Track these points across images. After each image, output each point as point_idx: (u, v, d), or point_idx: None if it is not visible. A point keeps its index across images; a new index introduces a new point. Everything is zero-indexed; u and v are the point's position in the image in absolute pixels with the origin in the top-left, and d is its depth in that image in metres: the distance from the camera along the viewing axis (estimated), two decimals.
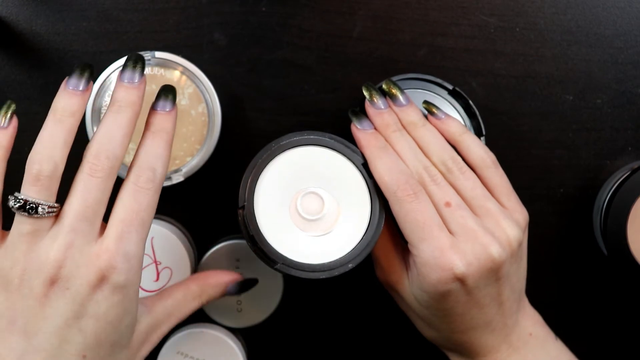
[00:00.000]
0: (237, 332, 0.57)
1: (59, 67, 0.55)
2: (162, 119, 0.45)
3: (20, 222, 0.41)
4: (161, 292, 0.47)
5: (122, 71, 0.44)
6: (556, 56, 0.57)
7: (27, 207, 0.40)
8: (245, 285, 0.51)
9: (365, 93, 0.50)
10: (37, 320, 0.40)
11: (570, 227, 0.58)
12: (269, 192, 0.47)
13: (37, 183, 0.41)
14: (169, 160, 0.44)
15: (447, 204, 0.46)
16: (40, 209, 0.40)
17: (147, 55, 0.52)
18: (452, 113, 0.53)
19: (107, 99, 0.53)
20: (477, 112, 0.52)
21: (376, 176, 0.47)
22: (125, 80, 0.44)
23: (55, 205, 0.41)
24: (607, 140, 0.58)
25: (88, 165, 0.41)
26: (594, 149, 0.58)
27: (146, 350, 0.45)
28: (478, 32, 0.57)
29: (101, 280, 0.40)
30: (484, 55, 0.57)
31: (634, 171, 0.54)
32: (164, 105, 0.45)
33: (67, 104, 0.42)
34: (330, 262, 0.47)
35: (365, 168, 0.48)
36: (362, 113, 0.50)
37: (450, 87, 0.53)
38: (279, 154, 0.48)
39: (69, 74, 0.43)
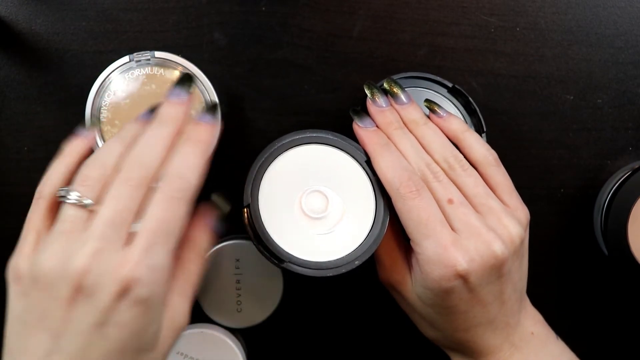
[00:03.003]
0: (237, 332, 0.57)
1: (58, 66, 0.55)
2: (203, 130, 0.45)
3: (63, 220, 0.41)
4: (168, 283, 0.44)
5: (171, 88, 0.46)
6: (557, 56, 0.57)
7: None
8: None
9: (367, 91, 0.50)
10: (63, 322, 0.40)
11: (570, 227, 0.58)
12: (273, 191, 0.47)
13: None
14: (202, 173, 0.43)
15: (450, 201, 0.46)
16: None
17: (146, 55, 0.52)
18: (453, 111, 0.53)
19: (106, 99, 0.52)
20: (478, 109, 0.52)
21: (379, 173, 0.47)
22: (173, 97, 0.45)
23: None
24: (607, 140, 0.58)
25: (123, 173, 0.42)
26: (594, 149, 0.58)
27: (174, 341, 0.44)
28: (478, 32, 0.57)
29: (124, 290, 0.40)
30: (484, 55, 0.57)
31: (634, 171, 0.54)
32: (207, 118, 0.46)
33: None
34: (336, 259, 0.47)
35: (368, 165, 0.48)
36: (363, 111, 0.50)
37: (450, 85, 0.53)
38: (282, 152, 0.48)
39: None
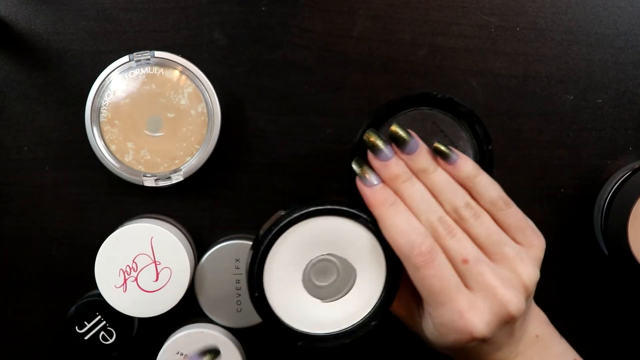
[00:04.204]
0: (237, 332, 0.57)
1: (58, 66, 0.55)
2: None
3: None
4: None
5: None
6: (557, 56, 0.57)
7: None
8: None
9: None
10: None
11: (570, 227, 0.58)
12: (279, 272, 0.47)
13: None
14: None
15: (465, 261, 0.45)
16: None
17: (146, 54, 0.52)
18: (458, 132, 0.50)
19: (106, 99, 0.53)
20: (481, 120, 0.50)
21: (388, 238, 0.46)
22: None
23: None
24: (607, 140, 0.58)
25: None
26: (594, 149, 0.58)
27: None
28: (478, 32, 0.56)
29: None
30: (484, 55, 0.57)
31: (634, 171, 0.54)
32: None
33: None
34: (353, 325, 0.47)
35: (374, 225, 0.46)
36: (366, 163, 0.47)
37: (447, 96, 0.49)
38: (279, 236, 0.46)
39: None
